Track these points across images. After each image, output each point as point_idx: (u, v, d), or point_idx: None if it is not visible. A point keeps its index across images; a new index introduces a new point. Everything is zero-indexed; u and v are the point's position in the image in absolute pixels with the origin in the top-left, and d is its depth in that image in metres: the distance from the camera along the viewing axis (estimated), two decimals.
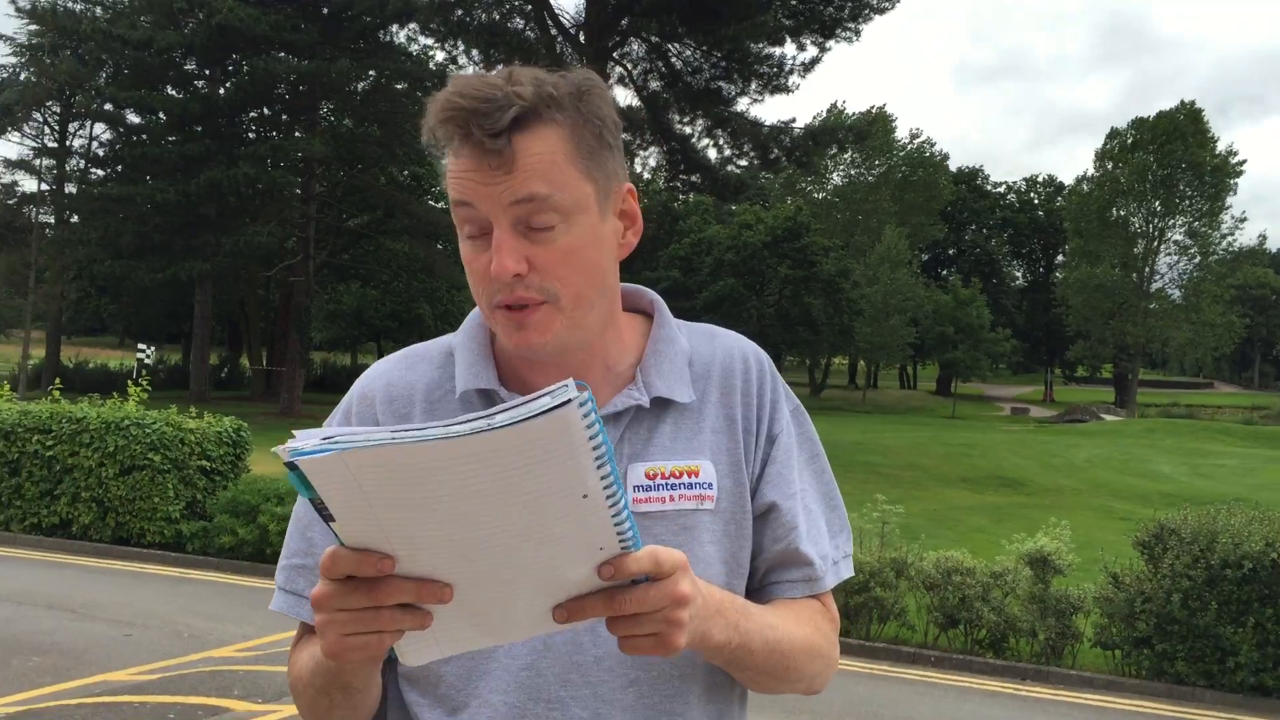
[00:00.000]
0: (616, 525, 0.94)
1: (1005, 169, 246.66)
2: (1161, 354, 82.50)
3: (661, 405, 1.29)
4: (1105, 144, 64.82)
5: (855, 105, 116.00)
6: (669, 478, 1.26)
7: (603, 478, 0.90)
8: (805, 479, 1.38)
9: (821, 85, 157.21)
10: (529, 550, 0.94)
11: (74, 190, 39.06)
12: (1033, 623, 9.72)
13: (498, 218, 1.13)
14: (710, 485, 1.28)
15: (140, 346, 28.14)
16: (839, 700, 8.16)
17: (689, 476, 1.27)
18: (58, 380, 15.00)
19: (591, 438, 0.88)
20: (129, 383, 13.45)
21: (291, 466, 0.85)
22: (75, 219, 38.29)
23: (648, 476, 1.25)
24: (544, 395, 0.86)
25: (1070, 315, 64.57)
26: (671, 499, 1.26)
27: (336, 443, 0.85)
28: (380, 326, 51.54)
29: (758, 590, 1.34)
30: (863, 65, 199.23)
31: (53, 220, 39.41)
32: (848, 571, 1.40)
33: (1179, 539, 9.31)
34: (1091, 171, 66.14)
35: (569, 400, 0.86)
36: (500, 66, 1.19)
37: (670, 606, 1.00)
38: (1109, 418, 51.80)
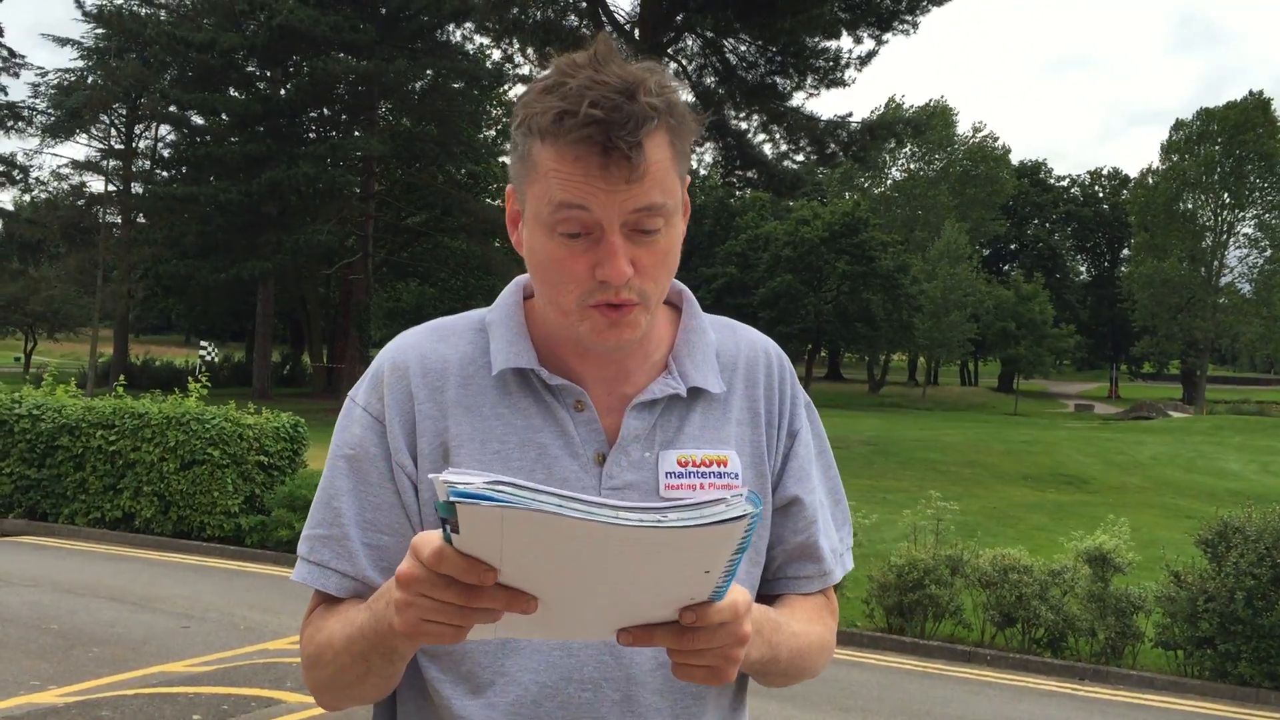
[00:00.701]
0: (717, 586, 0.97)
1: (1072, 162, 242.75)
2: (1231, 350, 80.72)
3: (694, 394, 1.32)
4: (1171, 135, 63.53)
5: (916, 98, 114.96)
6: (699, 466, 1.29)
7: (730, 560, 0.93)
8: (817, 473, 1.42)
9: (882, 78, 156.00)
10: (629, 593, 0.96)
11: (140, 191, 39.83)
12: (1092, 622, 9.54)
13: (612, 223, 1.15)
14: (736, 475, 1.31)
15: (202, 344, 28.67)
16: (891, 698, 8.07)
17: (718, 466, 1.30)
18: (122, 377, 15.29)
19: (743, 535, 0.90)
20: (189, 379, 13.68)
21: (446, 503, 0.86)
22: (142, 219, 39.07)
23: (679, 464, 1.28)
24: (718, 503, 0.88)
25: (1136, 310, 63.33)
26: (700, 486, 1.28)
27: (501, 491, 0.85)
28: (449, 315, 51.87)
29: (771, 580, 1.39)
30: (926, 58, 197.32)
31: (120, 220, 40.22)
32: (850, 564, 1.46)
33: (1243, 537, 9.09)
34: (1157, 164, 64.92)
35: (745, 515, 0.88)
36: (590, 51, 1.17)
37: (731, 645, 1.03)
38: (1176, 415, 50.71)
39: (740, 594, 1.02)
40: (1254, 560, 8.82)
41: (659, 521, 0.85)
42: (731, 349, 1.39)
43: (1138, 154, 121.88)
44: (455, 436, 1.26)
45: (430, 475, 0.95)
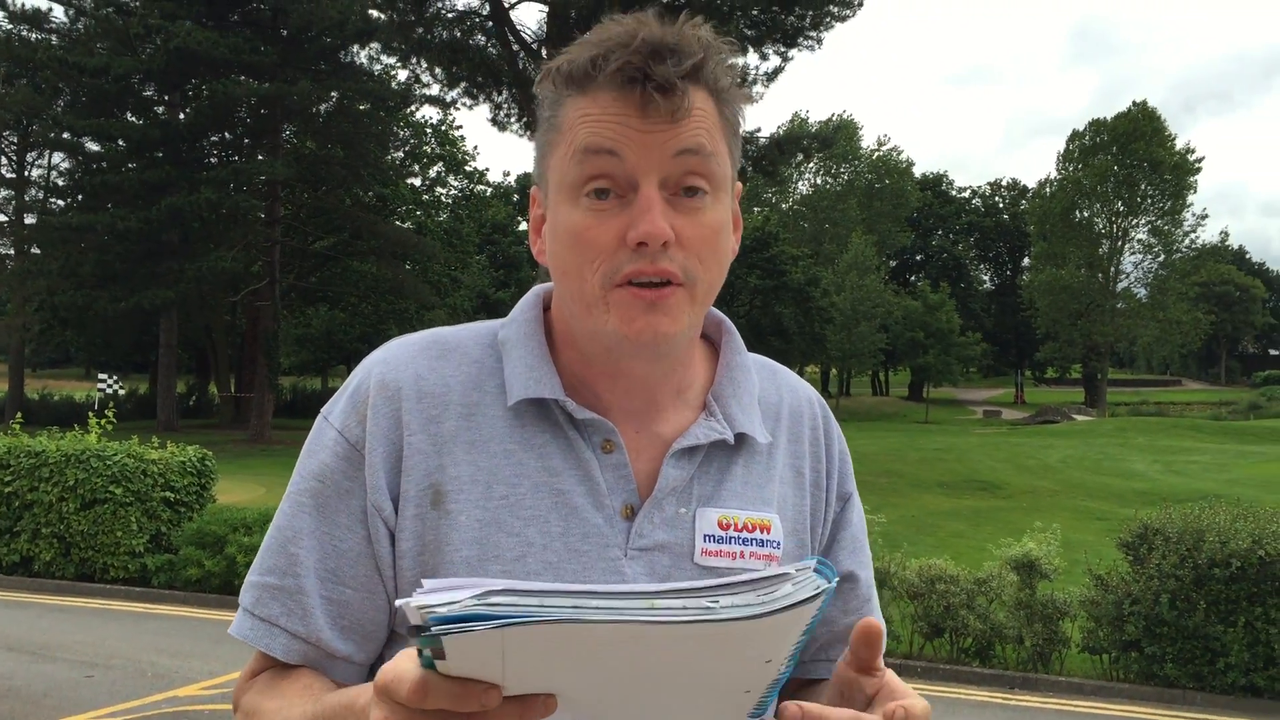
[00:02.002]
0: (778, 675, 0.81)
1: (975, 174, 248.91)
2: (1129, 352, 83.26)
3: (738, 443, 1.14)
4: (1067, 146, 65.42)
5: (825, 112, 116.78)
6: (741, 530, 1.11)
7: (795, 645, 0.78)
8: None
9: (787, 94, 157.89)
10: (668, 692, 0.79)
11: (34, 221, 38.47)
12: (1019, 629, 9.58)
13: (648, 173, 1.00)
14: (778, 545, 1.13)
15: (101, 377, 27.71)
16: None
17: (761, 532, 1.12)
18: (19, 415, 14.65)
19: (813, 616, 0.75)
20: (89, 414, 13.15)
21: (428, 634, 0.68)
22: (36, 250, 37.74)
23: (720, 525, 1.10)
24: (780, 579, 0.72)
25: (1038, 317, 64.96)
26: (741, 555, 1.11)
27: (496, 605, 0.68)
28: (350, 349, 51.10)
29: (809, 663, 1.22)
30: (830, 73, 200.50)
31: (13, 251, 38.83)
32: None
33: (1164, 539, 9.20)
34: (1054, 174, 66.67)
35: (819, 594, 0.73)
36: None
37: None
38: (1080, 418, 52.01)
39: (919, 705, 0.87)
40: (1175, 562, 8.93)
41: (709, 612, 0.69)
42: (774, 395, 1.22)
43: (1040, 164, 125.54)
44: (453, 478, 1.06)
45: (398, 602, 0.73)
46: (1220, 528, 9.01)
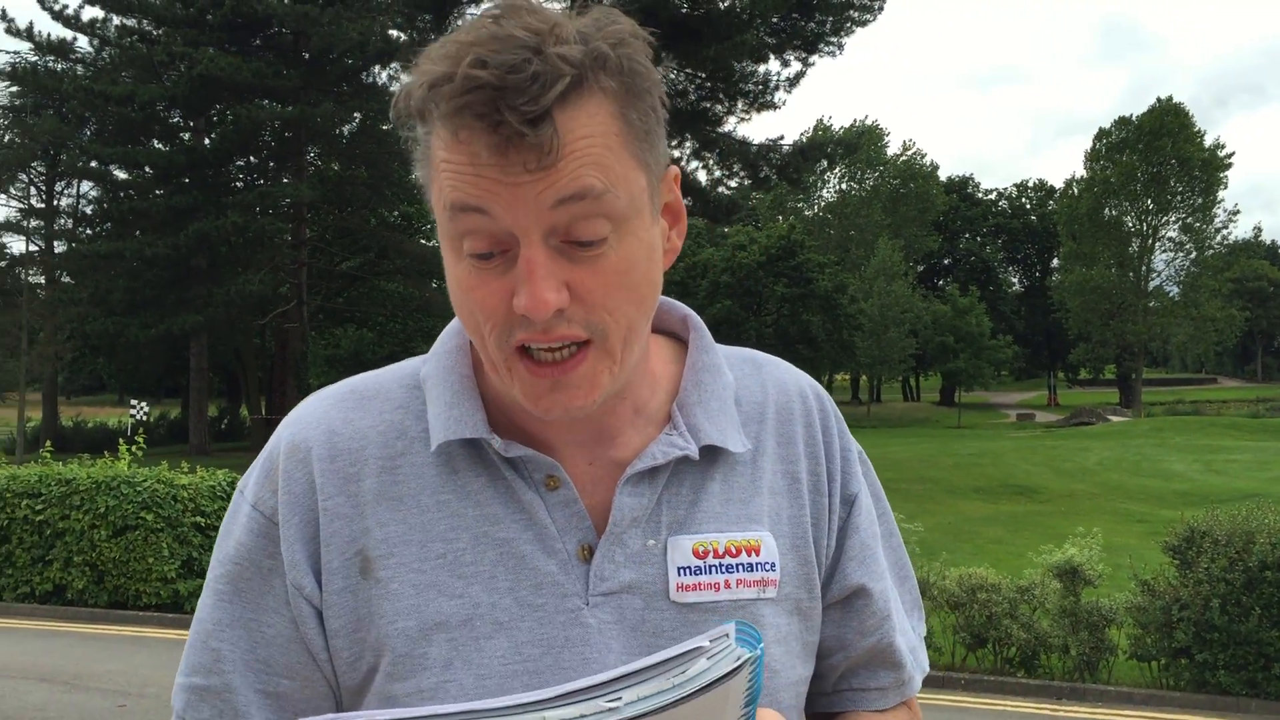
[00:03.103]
0: None
1: (1001, 176, 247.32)
2: (1163, 352, 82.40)
3: (710, 456, 1.00)
4: (1093, 145, 64.90)
5: (849, 118, 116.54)
6: (723, 556, 0.97)
7: (741, 716, 0.72)
8: (882, 549, 1.11)
9: (810, 100, 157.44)
10: None
11: (64, 249, 38.84)
12: (1064, 638, 9.36)
13: (527, 230, 0.83)
14: (773, 566, 0.99)
15: (133, 403, 27.86)
16: None
17: (748, 554, 0.98)
18: (48, 443, 14.70)
19: (748, 690, 0.69)
20: (119, 441, 13.17)
21: None
22: (66, 278, 38.09)
23: (696, 554, 0.97)
24: (693, 655, 0.65)
25: (1070, 318, 64.40)
26: (726, 585, 0.97)
27: None
28: (378, 368, 51.30)
29: (833, 694, 1.08)
30: (853, 78, 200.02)
31: (44, 280, 39.19)
32: (926, 664, 1.12)
33: (1213, 541, 8.96)
34: (1081, 174, 66.14)
35: (741, 665, 0.66)
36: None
37: None
38: (1116, 419, 51.43)
39: None
40: (1225, 565, 8.69)
41: (614, 713, 0.61)
42: (756, 392, 1.07)
43: (1068, 164, 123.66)
44: (380, 541, 0.94)
45: None
46: (1271, 529, 8.76)
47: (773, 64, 26.55)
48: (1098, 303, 61.06)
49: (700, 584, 0.95)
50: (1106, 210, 62.65)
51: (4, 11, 32.91)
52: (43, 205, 40.55)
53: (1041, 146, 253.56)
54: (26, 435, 36.24)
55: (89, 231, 39.97)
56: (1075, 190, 66.10)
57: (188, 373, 39.50)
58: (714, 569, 0.96)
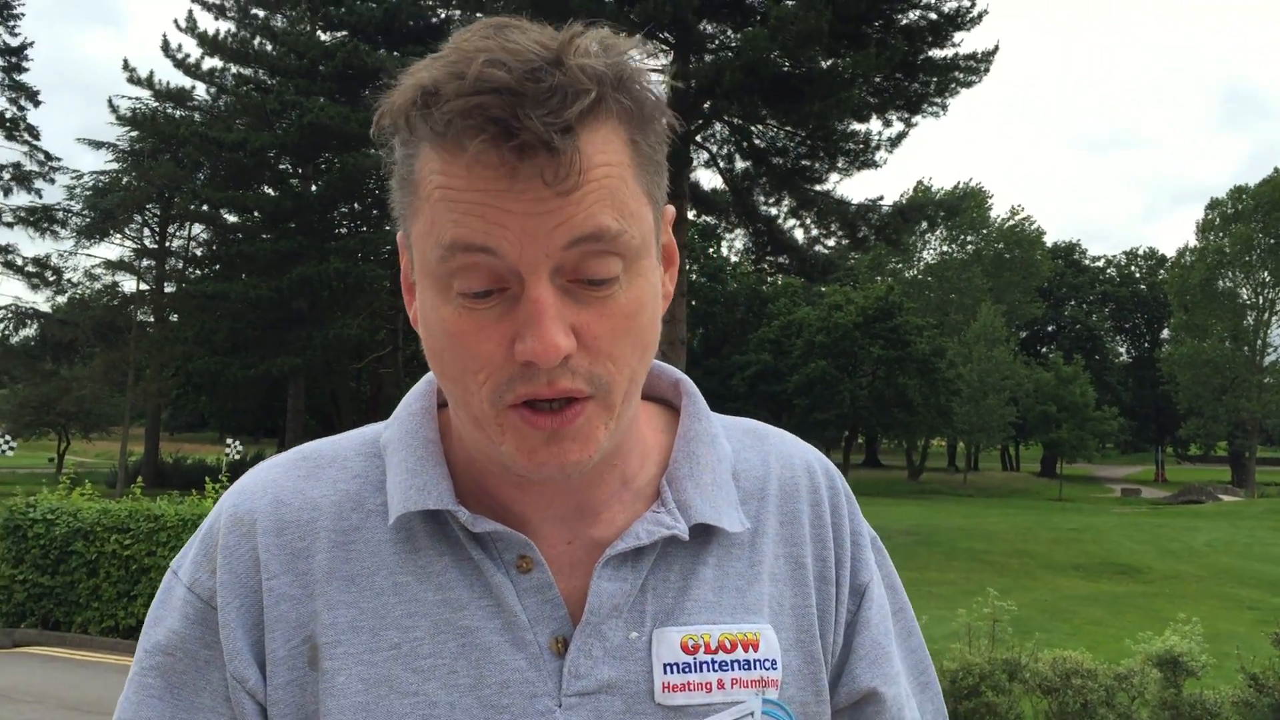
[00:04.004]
0: None
1: (1113, 243, 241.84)
2: (1278, 429, 79.17)
3: (703, 536, 0.89)
4: (1206, 214, 63.24)
5: (952, 178, 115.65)
6: (716, 651, 0.86)
7: None
8: (897, 648, 0.99)
9: (915, 159, 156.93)
10: None
11: (172, 289, 40.08)
12: None
13: (535, 267, 0.75)
14: (774, 663, 0.88)
15: (229, 441, 28.45)
16: None
17: (745, 650, 0.87)
18: (139, 479, 14.97)
19: None
20: (206, 479, 13.35)
21: None
22: (174, 317, 39.28)
23: (685, 649, 0.86)
24: None
25: (1179, 392, 62.38)
26: (720, 685, 0.85)
27: None
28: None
29: None
30: (960, 139, 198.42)
31: (152, 319, 40.45)
32: None
33: None
34: (1193, 243, 64.41)
35: None
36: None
37: None
38: (1227, 498, 49.42)
39: None
40: None
41: None
42: (758, 466, 0.95)
43: (1185, 232, 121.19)
44: (330, 626, 0.83)
45: None
46: None
47: (874, 123, 26.36)
48: (1209, 376, 59.09)
49: (690, 684, 0.84)
50: (1220, 281, 60.81)
51: (126, 61, 34.39)
52: (155, 246, 41.95)
53: (1157, 214, 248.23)
54: (128, 469, 37.21)
55: (197, 272, 41.22)
56: (1187, 260, 64.34)
57: (285, 413, 40.31)
58: (706, 666, 0.85)
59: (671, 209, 0.88)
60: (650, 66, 0.80)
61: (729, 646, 0.85)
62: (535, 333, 0.74)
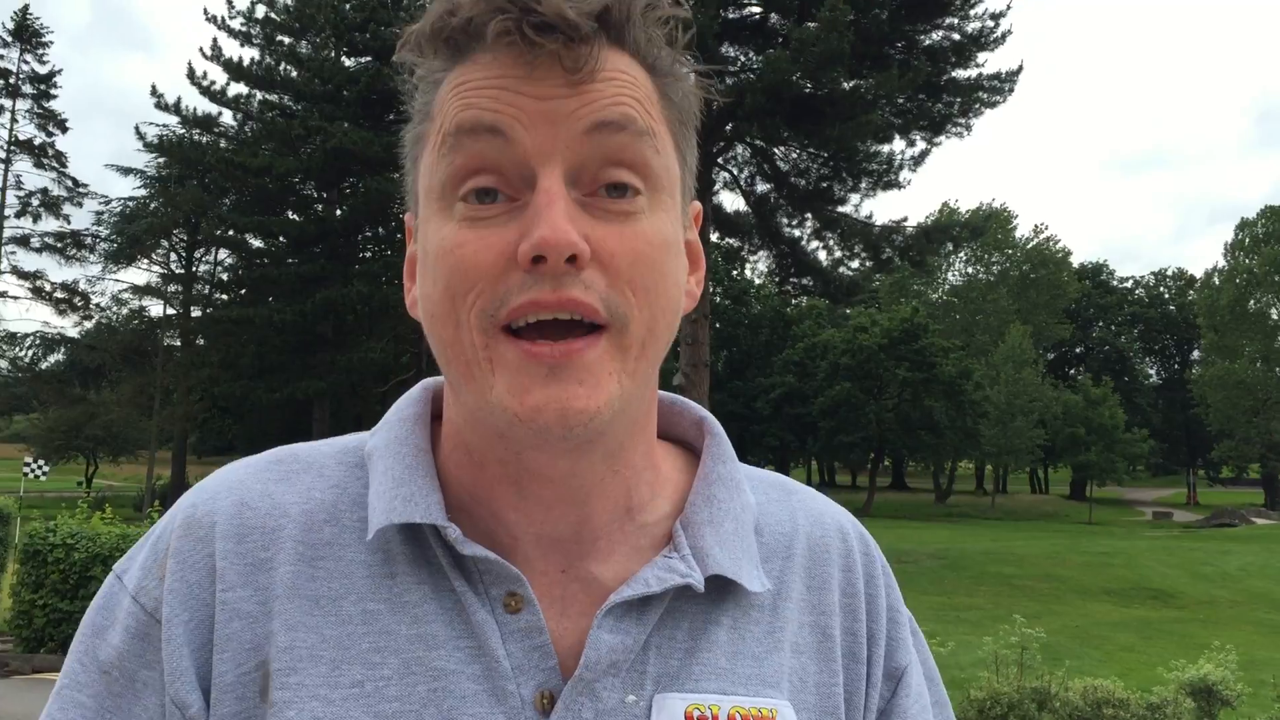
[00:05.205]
0: None
1: (1145, 263, 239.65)
2: None
3: (718, 591, 0.78)
4: (1236, 235, 62.71)
5: (977, 199, 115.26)
6: None
7: None
8: None
9: (941, 179, 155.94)
10: None
11: (199, 313, 40.36)
12: None
13: (550, 158, 0.69)
14: None
15: None
16: None
17: None
18: (157, 503, 14.93)
19: None
20: None
21: None
22: (200, 341, 39.53)
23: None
24: None
25: (1210, 413, 61.66)
26: None
27: None
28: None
29: None
30: (986, 160, 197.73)
31: (179, 343, 40.71)
32: None
33: None
34: (1222, 264, 63.84)
35: None
36: None
37: None
38: (1261, 521, 48.69)
39: None
40: None
41: None
42: (784, 522, 0.83)
43: (1217, 253, 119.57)
44: (286, 651, 0.72)
45: None
46: None
47: (897, 144, 26.21)
48: (1241, 398, 58.40)
49: None
50: (1250, 302, 60.18)
51: (154, 87, 34.72)
52: (182, 271, 42.28)
53: (1191, 234, 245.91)
54: (155, 492, 37.39)
55: (223, 297, 41.49)
56: (1216, 280, 63.75)
57: (310, 437, 40.37)
58: None
59: (698, 205, 0.79)
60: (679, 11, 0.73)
61: None
62: (543, 220, 0.66)
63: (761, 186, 27.03)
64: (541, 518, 0.75)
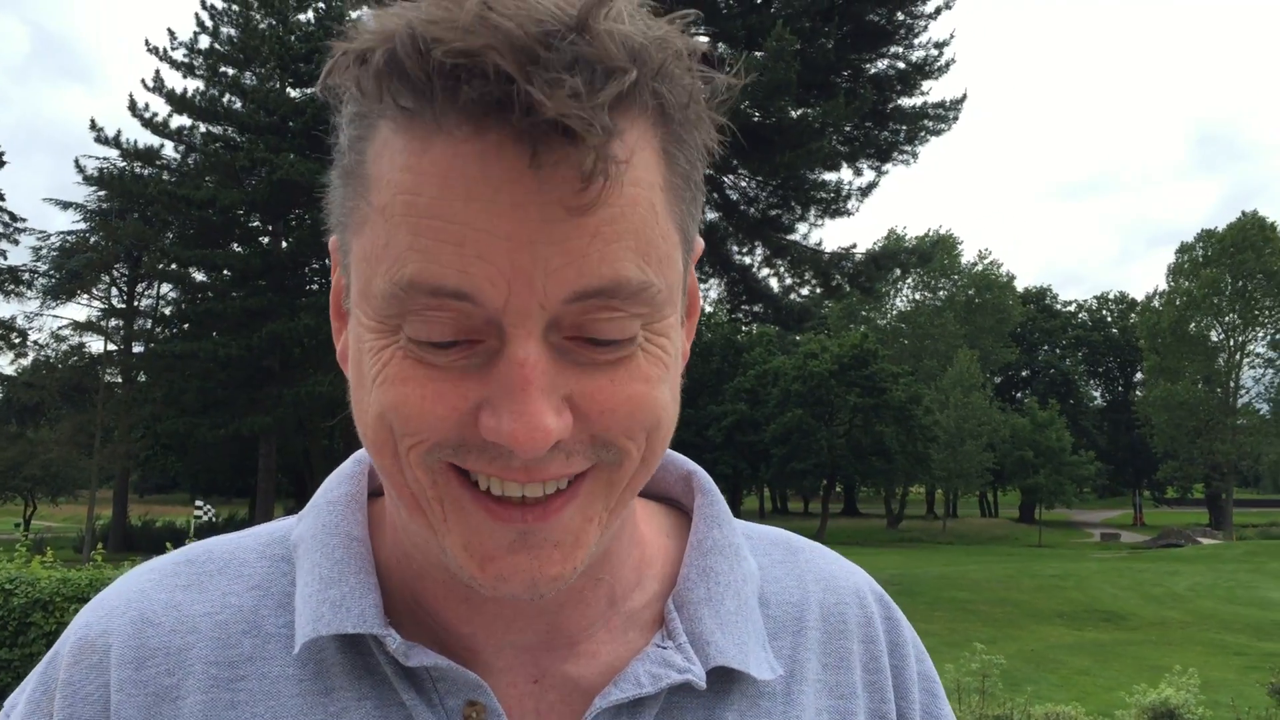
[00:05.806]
0: None
1: (1090, 287, 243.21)
2: (1253, 471, 79.43)
3: (722, 684, 0.67)
4: (1176, 258, 63.81)
5: (924, 226, 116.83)
6: None
7: None
8: None
9: (888, 206, 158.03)
10: None
11: (141, 349, 39.61)
12: None
13: (524, 320, 0.54)
14: None
15: (198, 503, 27.88)
16: None
17: None
18: (100, 545, 14.50)
19: None
20: (168, 544, 12.90)
21: None
22: (142, 378, 38.76)
23: None
24: None
25: (1155, 435, 62.54)
26: None
27: None
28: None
29: None
30: (931, 187, 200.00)
31: (120, 380, 39.90)
32: None
33: None
34: (1163, 287, 65.00)
35: None
36: None
37: None
38: (1206, 541, 49.32)
39: None
40: None
41: None
42: (793, 590, 0.72)
43: (1160, 275, 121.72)
44: None
45: None
46: None
47: (845, 172, 26.37)
48: (1184, 419, 59.28)
49: None
50: (1191, 325, 61.24)
51: (94, 121, 34.16)
52: (123, 306, 41.49)
53: (1132, 257, 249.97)
54: (95, 533, 36.47)
55: (166, 332, 40.77)
56: (1157, 303, 64.87)
57: (257, 473, 39.72)
58: None
59: (701, 243, 0.65)
60: (697, 44, 0.57)
61: None
62: (514, 407, 0.53)
63: (711, 215, 27.04)
64: (503, 630, 0.64)
